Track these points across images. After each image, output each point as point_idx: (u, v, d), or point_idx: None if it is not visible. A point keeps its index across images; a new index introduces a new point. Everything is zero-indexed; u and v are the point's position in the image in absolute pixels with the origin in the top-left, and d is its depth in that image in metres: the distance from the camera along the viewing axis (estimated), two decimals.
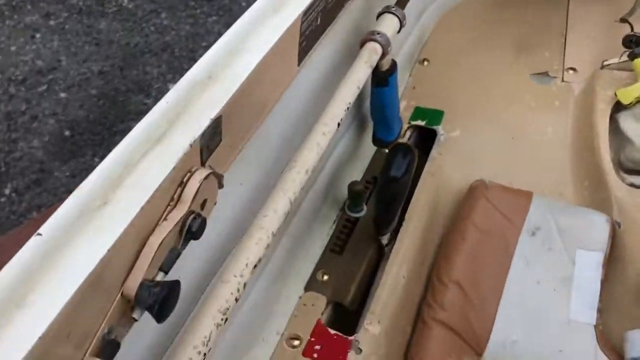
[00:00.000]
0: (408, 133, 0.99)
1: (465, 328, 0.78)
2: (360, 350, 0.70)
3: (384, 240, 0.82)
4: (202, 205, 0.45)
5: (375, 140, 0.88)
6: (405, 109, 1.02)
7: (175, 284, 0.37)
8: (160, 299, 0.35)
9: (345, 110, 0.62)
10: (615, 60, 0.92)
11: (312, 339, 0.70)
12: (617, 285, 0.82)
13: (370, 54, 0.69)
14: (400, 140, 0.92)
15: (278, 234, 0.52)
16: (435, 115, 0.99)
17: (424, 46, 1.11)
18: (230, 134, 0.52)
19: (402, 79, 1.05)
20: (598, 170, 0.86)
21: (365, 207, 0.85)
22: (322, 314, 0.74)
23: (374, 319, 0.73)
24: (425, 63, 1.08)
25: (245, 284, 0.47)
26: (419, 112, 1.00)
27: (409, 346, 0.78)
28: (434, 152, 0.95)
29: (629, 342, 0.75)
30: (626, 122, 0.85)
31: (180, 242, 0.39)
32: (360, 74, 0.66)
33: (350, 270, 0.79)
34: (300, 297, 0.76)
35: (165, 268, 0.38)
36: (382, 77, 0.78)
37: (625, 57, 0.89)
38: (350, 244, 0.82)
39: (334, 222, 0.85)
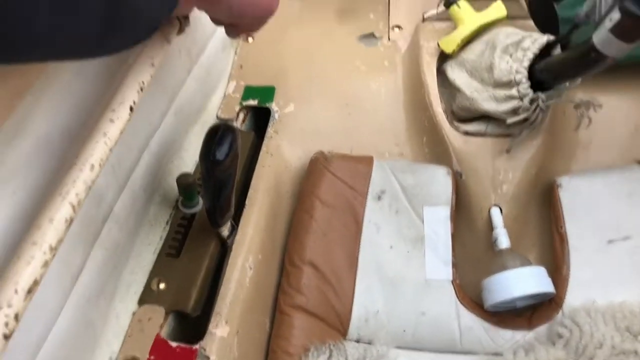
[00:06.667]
0: (242, 115, 0.93)
1: (325, 309, 0.73)
2: (208, 358, 0.62)
3: (225, 232, 0.74)
4: None
5: None
6: (235, 90, 0.95)
7: None
8: None
9: (138, 92, 0.53)
10: (433, 11, 0.91)
11: (151, 357, 0.61)
12: (467, 236, 0.80)
13: (166, 26, 0.61)
14: (228, 122, 0.84)
15: (61, 247, 0.43)
16: (267, 93, 0.93)
17: None
18: None
19: (228, 59, 0.98)
20: (433, 124, 0.84)
21: (200, 201, 0.78)
22: (162, 327, 0.65)
23: (220, 320, 0.65)
24: (250, 39, 1.02)
25: (17, 315, 0.38)
26: (249, 91, 0.94)
27: (270, 339, 0.72)
28: (270, 131, 0.89)
29: (485, 290, 0.74)
30: (453, 71, 0.84)
31: None
32: (154, 48, 0.57)
33: (189, 273, 0.70)
34: (134, 313, 0.66)
35: None
36: None
37: (442, 7, 0.88)
38: (188, 244, 0.74)
39: (167, 223, 0.76)
